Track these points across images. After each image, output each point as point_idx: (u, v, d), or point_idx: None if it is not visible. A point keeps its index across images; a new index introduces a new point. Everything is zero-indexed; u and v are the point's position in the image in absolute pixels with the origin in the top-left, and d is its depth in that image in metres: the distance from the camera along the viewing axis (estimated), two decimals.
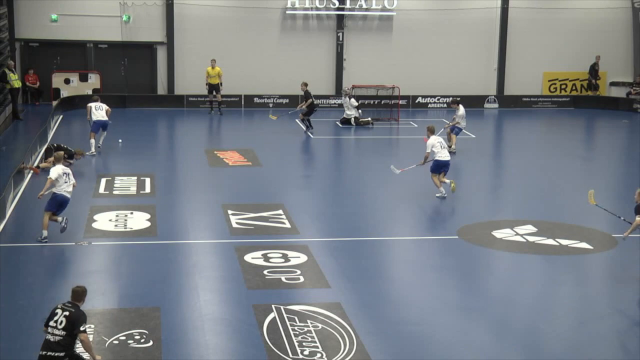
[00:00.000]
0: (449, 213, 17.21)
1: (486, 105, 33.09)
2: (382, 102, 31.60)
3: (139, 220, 15.97)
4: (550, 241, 15.14)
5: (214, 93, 30.44)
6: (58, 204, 14.50)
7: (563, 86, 34.62)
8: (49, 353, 8.58)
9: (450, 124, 24.35)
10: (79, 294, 8.98)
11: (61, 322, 8.65)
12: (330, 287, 12.57)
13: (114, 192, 18.11)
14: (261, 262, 13.57)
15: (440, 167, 18.22)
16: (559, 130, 29.79)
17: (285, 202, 17.39)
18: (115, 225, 15.69)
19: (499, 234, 15.58)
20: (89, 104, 23.24)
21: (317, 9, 32.25)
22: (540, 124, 31.00)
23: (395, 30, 33.02)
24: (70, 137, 24.07)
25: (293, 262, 13.60)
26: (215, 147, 24.20)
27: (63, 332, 8.63)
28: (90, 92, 31.04)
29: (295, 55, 32.49)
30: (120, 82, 31.67)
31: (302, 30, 32.58)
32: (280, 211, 16.71)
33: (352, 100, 28.35)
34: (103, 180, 18.98)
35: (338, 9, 32.29)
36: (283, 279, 12.78)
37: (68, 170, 14.83)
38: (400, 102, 31.36)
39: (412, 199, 18.80)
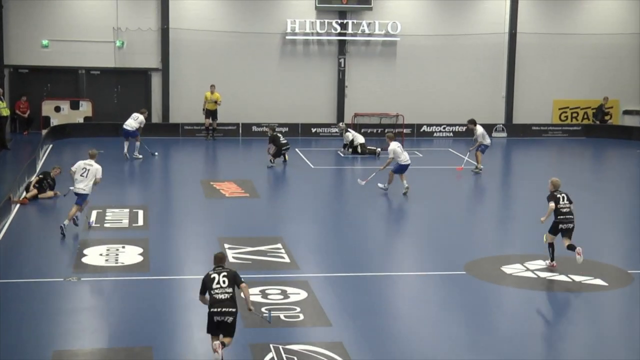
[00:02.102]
0: (455, 247, 17.14)
1: (494, 134, 33.11)
2: (386, 130, 31.61)
3: (131, 255, 15.90)
4: (562, 277, 15.06)
5: (211, 120, 30.62)
6: (77, 197, 17.19)
7: (574, 114, 34.70)
8: (224, 309, 10.48)
9: (473, 148, 25.02)
10: (222, 259, 10.97)
11: (224, 281, 10.58)
12: (332, 326, 12.49)
13: (105, 225, 18.07)
14: (259, 298, 13.48)
15: (402, 170, 21.53)
16: (570, 161, 29.81)
17: (284, 236, 17.34)
18: (106, 260, 15.61)
19: (508, 269, 15.50)
20: None
21: (318, 34, 32.44)
22: (551, 154, 31.01)
23: (399, 56, 33.19)
24: (59, 167, 24.00)
25: (292, 298, 13.52)
26: (211, 177, 24.20)
27: (230, 289, 10.55)
28: (81, 120, 31.22)
29: (295, 82, 32.64)
30: (113, 110, 31.77)
31: (302, 56, 32.75)
32: (279, 245, 16.65)
33: (348, 134, 28.49)
34: (94, 213, 18.92)
35: (339, 34, 32.48)
36: (282, 316, 12.70)
37: (89, 167, 17.19)
38: (405, 130, 31.42)
39: (417, 232, 18.76)
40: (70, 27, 31.13)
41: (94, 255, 15.80)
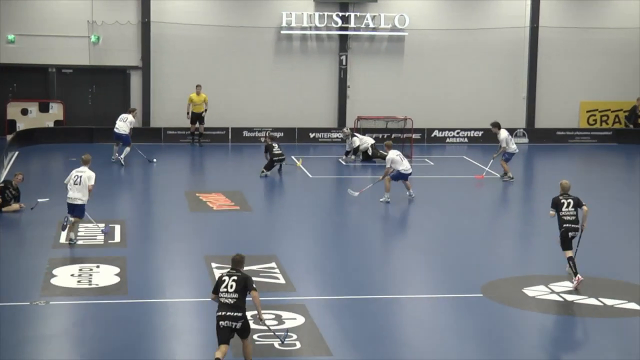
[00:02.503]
0: (471, 266, 17.09)
1: (514, 140, 33.07)
2: (393, 136, 31.63)
3: (106, 275, 15.83)
4: (592, 300, 15.00)
5: (197, 124, 30.65)
6: (75, 209, 17.59)
7: (604, 118, 34.68)
8: (228, 313, 11.28)
9: (496, 155, 25.31)
10: (239, 262, 11.63)
11: (232, 285, 11.35)
12: (332, 355, 12.42)
13: (78, 242, 18.01)
14: (250, 324, 13.39)
15: (402, 176, 22.34)
16: (600, 170, 29.75)
17: (278, 254, 17.29)
18: (79, 282, 15.54)
19: (531, 291, 15.45)
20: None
21: (317, 28, 32.44)
22: (578, 162, 30.97)
23: (408, 53, 33.19)
24: (27, 177, 23.98)
25: (288, 324, 13.45)
26: (197, 188, 24.14)
27: (236, 295, 11.31)
28: (51, 125, 31.13)
29: (292, 81, 32.62)
30: (88, 113, 31.73)
31: (299, 53, 32.75)
32: (272, 264, 16.60)
33: (355, 139, 28.50)
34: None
35: (341, 28, 32.49)
36: (276, 344, 12.62)
37: (81, 173, 17.50)
38: (414, 136, 31.39)
39: (427, 249, 18.69)
40: (40, 20, 31.11)
41: (64, 276, 15.69)
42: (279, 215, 21.99)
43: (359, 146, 28.47)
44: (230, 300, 11.27)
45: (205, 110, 30.56)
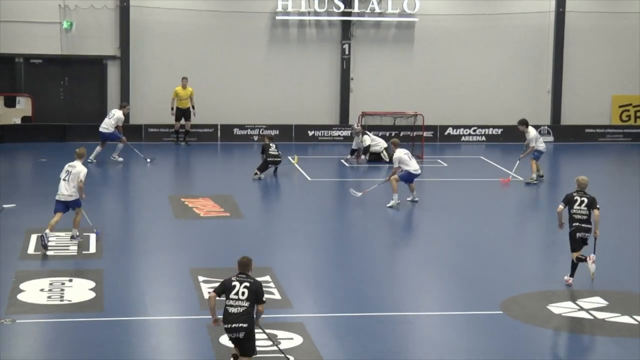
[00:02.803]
0: (490, 280, 17.10)
1: None
2: (401, 134, 31.65)
3: (80, 290, 15.81)
4: (625, 319, 14.98)
5: (183, 120, 30.65)
6: (58, 204, 18.24)
7: (639, 114, 34.69)
8: (233, 325, 11.52)
9: (524, 154, 25.58)
10: (246, 265, 11.84)
11: (243, 293, 11.58)
12: None
13: (48, 253, 18.00)
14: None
15: (411, 177, 22.61)
16: (634, 172, 29.74)
17: (273, 266, 17.29)
18: (49, 297, 15.52)
19: (556, 308, 15.43)
20: None
21: (317, 13, 32.47)
22: (609, 163, 30.97)
23: (418, 41, 33.21)
24: None
25: (284, 345, 13.44)
26: (182, 192, 24.17)
27: (247, 303, 11.57)
28: (18, 121, 31.12)
29: (288, 73, 32.64)
30: (59, 109, 31.73)
31: (296, 41, 32.77)
32: (267, 277, 16.58)
33: (366, 137, 28.50)
34: (33, 237, 18.86)
35: (343, 13, 32.51)
36: None
37: (71, 168, 18.13)
38: (425, 134, 31.40)
39: (440, 261, 18.68)
40: (5, 4, 31.11)
41: (33, 291, 15.66)
42: (274, 222, 21.99)
43: (369, 146, 28.43)
44: (238, 308, 11.50)
45: (193, 106, 30.56)
